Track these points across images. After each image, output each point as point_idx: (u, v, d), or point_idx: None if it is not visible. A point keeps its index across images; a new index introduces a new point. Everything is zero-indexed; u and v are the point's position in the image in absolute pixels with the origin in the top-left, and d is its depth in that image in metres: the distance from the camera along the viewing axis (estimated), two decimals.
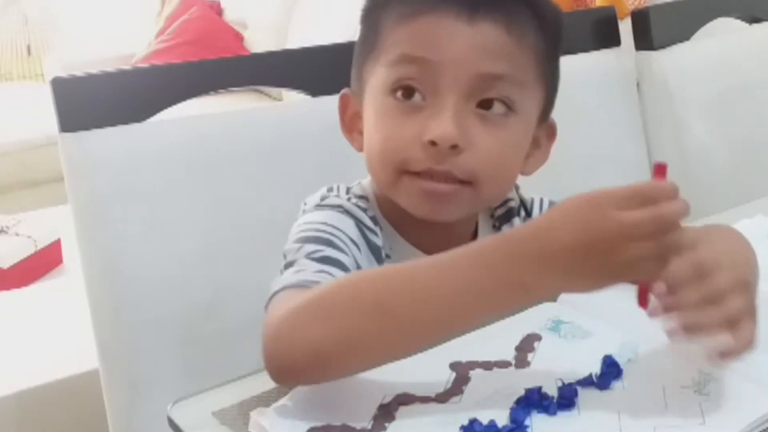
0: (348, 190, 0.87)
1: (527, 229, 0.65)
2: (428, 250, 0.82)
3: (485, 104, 0.78)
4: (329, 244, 0.78)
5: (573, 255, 0.61)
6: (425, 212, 0.80)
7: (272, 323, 0.67)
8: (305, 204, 0.86)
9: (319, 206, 0.83)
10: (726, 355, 0.64)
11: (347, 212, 0.82)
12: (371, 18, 0.83)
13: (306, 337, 0.65)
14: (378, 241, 0.83)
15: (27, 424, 1.40)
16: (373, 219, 0.84)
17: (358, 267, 0.79)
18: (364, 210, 0.83)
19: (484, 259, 0.63)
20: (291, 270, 0.75)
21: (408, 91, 0.78)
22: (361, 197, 0.86)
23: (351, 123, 0.87)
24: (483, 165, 0.78)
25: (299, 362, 0.65)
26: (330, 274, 0.74)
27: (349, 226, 0.81)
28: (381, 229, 0.84)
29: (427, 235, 0.83)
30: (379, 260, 0.83)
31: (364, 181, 0.88)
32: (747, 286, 0.66)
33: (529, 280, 0.62)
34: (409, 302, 0.64)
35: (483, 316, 0.67)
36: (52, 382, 1.41)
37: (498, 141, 0.78)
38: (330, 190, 0.87)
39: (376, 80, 0.81)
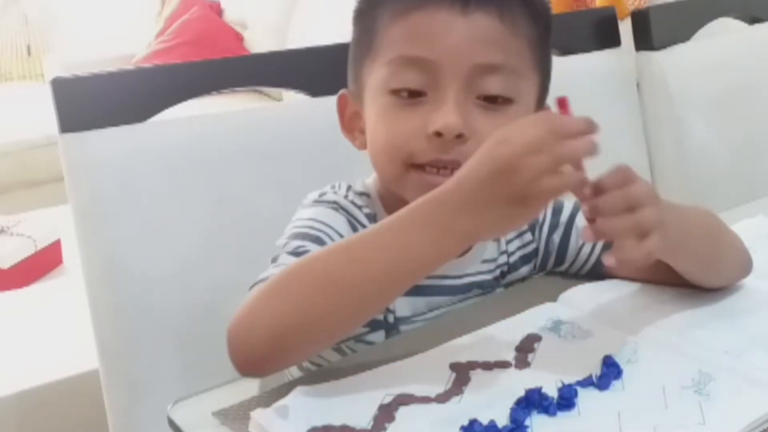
0: (349, 188, 0.87)
1: (452, 177, 0.68)
2: None
3: (486, 97, 0.79)
4: (315, 240, 0.79)
5: (483, 186, 0.65)
6: None
7: (235, 317, 0.70)
8: (305, 199, 0.87)
9: (316, 202, 0.85)
10: (625, 260, 0.70)
11: (341, 209, 0.83)
12: (364, 19, 0.83)
13: (262, 321, 0.67)
14: None
15: (27, 424, 1.40)
16: (369, 216, 0.84)
17: None
18: (360, 207, 0.84)
19: (415, 214, 0.68)
20: (271, 266, 0.77)
21: (412, 93, 0.79)
22: (361, 194, 0.86)
23: (350, 122, 0.87)
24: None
25: (259, 347, 0.67)
26: None
27: (340, 222, 0.82)
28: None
29: None
30: None
31: (368, 180, 0.89)
32: (658, 199, 0.72)
33: (454, 223, 0.66)
34: (354, 269, 0.67)
35: (423, 269, 0.69)
36: (52, 382, 1.41)
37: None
38: (333, 187, 0.88)
39: (374, 80, 0.81)
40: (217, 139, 1.06)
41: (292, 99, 1.31)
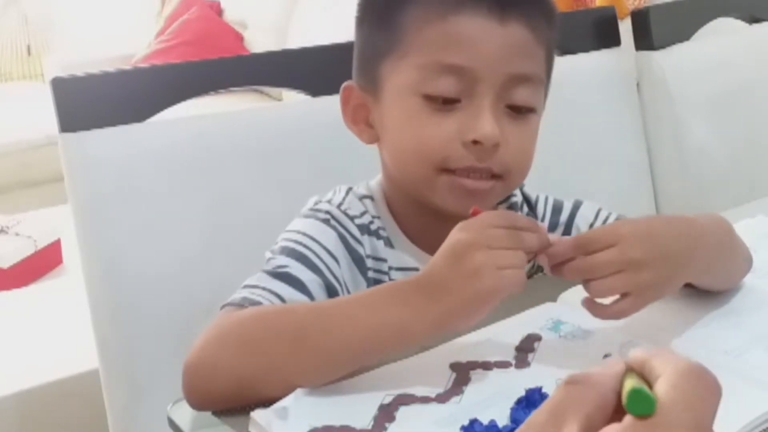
0: (349, 191, 0.87)
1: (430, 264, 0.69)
2: (431, 249, 0.83)
3: (514, 107, 0.80)
4: (300, 258, 0.79)
5: (440, 273, 0.67)
6: (462, 208, 0.81)
7: (196, 349, 0.71)
8: (308, 203, 0.87)
9: (311, 211, 0.85)
10: (595, 312, 0.71)
11: (333, 220, 0.83)
12: (388, 14, 0.81)
13: (226, 366, 0.69)
14: (362, 250, 0.84)
15: (27, 424, 1.40)
16: (362, 227, 0.84)
17: (333, 280, 0.80)
18: (352, 218, 0.84)
19: (394, 292, 0.69)
20: (248, 281, 0.78)
21: (446, 99, 0.78)
22: (363, 197, 0.86)
23: (355, 114, 0.86)
24: (515, 159, 0.81)
25: (222, 389, 0.68)
26: (278, 294, 0.76)
27: (329, 237, 0.82)
28: (373, 232, 0.85)
29: (431, 234, 0.83)
30: (363, 269, 0.84)
31: (371, 182, 0.89)
32: (637, 265, 0.69)
33: (427, 308, 0.67)
34: (327, 336, 0.68)
35: (395, 346, 0.70)
36: (52, 382, 1.41)
37: (525, 137, 0.81)
38: (334, 192, 0.87)
39: (401, 80, 0.80)
40: (217, 139, 1.06)
41: (292, 99, 1.32)
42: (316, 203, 0.86)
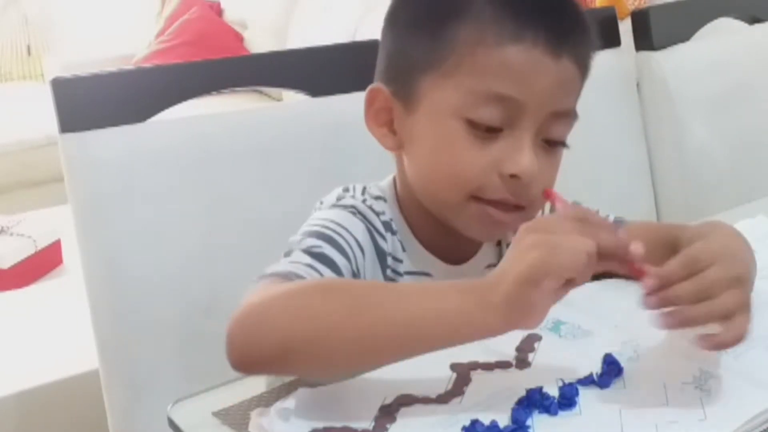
0: (364, 191, 0.86)
1: (495, 272, 0.66)
2: (441, 254, 0.84)
3: (548, 141, 0.79)
4: (330, 241, 0.77)
5: (501, 265, 0.64)
6: (483, 236, 0.84)
7: (242, 309, 0.67)
8: (321, 203, 0.85)
9: (334, 205, 0.83)
10: (715, 345, 0.66)
11: (359, 214, 0.82)
12: (436, 26, 0.77)
13: (276, 327, 0.65)
14: (386, 246, 0.82)
15: (27, 424, 1.40)
16: (386, 224, 0.83)
17: (357, 270, 0.78)
18: (378, 213, 0.83)
19: (458, 285, 0.65)
20: (284, 260, 0.75)
21: (489, 128, 0.76)
22: (377, 197, 0.85)
23: (378, 117, 0.83)
24: (540, 192, 0.80)
25: (265, 351, 0.65)
26: (318, 271, 0.74)
27: (358, 228, 0.80)
28: (395, 232, 0.84)
29: (442, 241, 0.84)
30: (384, 265, 0.83)
31: (382, 183, 0.87)
32: (740, 281, 0.67)
33: (491, 298, 0.63)
34: (386, 311, 0.64)
35: (454, 337, 0.65)
36: (52, 382, 1.41)
37: (553, 170, 0.81)
38: (346, 190, 0.86)
39: (444, 99, 0.77)
40: (217, 139, 1.06)
41: (292, 99, 1.31)
42: (338, 198, 0.84)
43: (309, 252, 0.76)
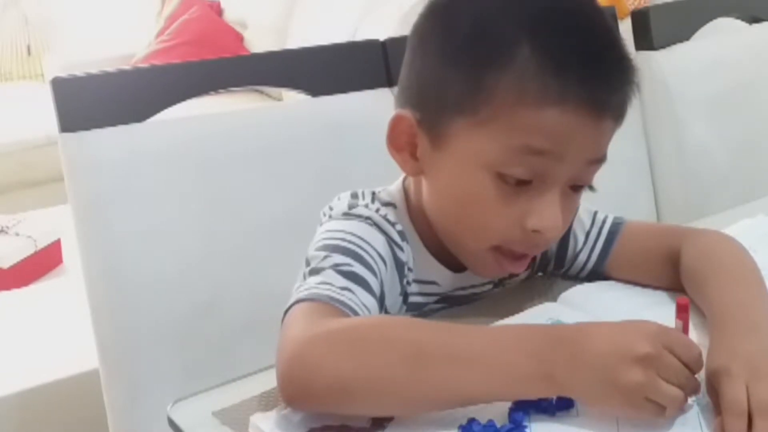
0: (374, 197, 0.84)
1: (571, 327, 0.65)
2: (446, 262, 0.84)
3: (575, 186, 0.77)
4: (358, 258, 0.75)
5: (598, 359, 0.61)
6: (488, 276, 0.85)
7: (293, 343, 0.65)
8: (330, 209, 0.83)
9: (347, 215, 0.80)
10: None
11: (376, 225, 0.80)
12: (476, 68, 0.73)
13: (333, 368, 0.63)
14: (403, 256, 0.81)
15: (27, 424, 1.40)
16: (401, 234, 0.81)
17: (382, 285, 0.77)
18: (393, 224, 0.81)
19: (525, 345, 0.63)
20: (316, 280, 0.73)
21: (520, 182, 0.74)
22: (387, 204, 0.83)
23: (399, 141, 0.79)
24: (557, 239, 0.80)
25: (321, 391, 0.63)
26: (354, 293, 0.72)
27: (378, 241, 0.79)
28: (408, 241, 0.82)
29: (447, 249, 0.83)
30: (402, 275, 0.81)
31: (391, 187, 0.85)
32: None
33: (559, 374, 0.61)
34: (448, 361, 0.62)
35: (508, 395, 0.64)
36: (52, 382, 1.41)
37: (573, 213, 0.80)
38: (355, 196, 0.84)
39: (476, 149, 0.74)
40: (217, 139, 1.06)
41: (292, 99, 1.32)
42: (350, 206, 0.81)
43: (340, 271, 0.73)
